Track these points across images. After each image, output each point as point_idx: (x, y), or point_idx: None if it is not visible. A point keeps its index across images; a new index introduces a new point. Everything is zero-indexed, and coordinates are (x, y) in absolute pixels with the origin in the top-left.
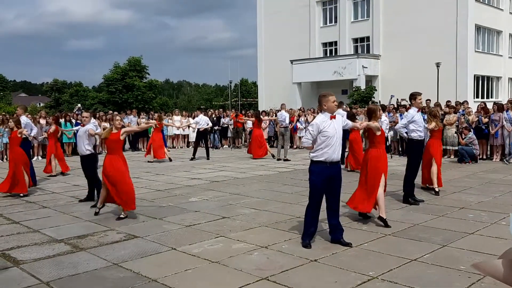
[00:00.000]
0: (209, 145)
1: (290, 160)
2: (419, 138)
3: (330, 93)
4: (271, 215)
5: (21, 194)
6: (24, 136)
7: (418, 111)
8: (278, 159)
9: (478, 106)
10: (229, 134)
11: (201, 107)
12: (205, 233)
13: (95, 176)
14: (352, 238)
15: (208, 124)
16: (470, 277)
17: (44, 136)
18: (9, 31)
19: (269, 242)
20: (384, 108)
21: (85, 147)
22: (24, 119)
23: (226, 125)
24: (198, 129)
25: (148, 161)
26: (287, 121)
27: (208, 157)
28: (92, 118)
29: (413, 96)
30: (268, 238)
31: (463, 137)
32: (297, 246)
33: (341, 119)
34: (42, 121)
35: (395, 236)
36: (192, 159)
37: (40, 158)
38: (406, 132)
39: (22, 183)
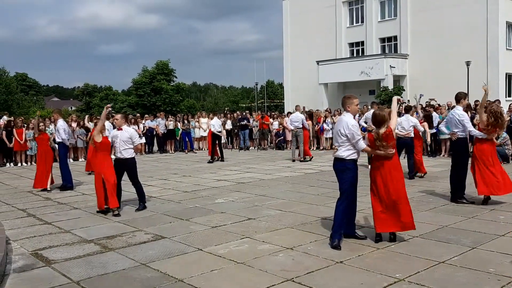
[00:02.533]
0: (222, 147)
1: (308, 160)
2: (465, 136)
3: (355, 96)
4: (297, 217)
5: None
6: (56, 141)
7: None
8: (293, 160)
9: (510, 105)
10: (255, 136)
11: (226, 108)
12: (231, 234)
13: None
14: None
15: (220, 127)
16: (500, 280)
17: (75, 140)
18: (42, 37)
19: (295, 244)
20: (409, 109)
21: (128, 151)
22: (60, 123)
23: (252, 127)
24: (213, 132)
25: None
26: (304, 123)
27: (222, 159)
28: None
29: (462, 97)
30: (294, 239)
31: (498, 137)
32: (323, 248)
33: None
34: (74, 124)
35: (423, 238)
36: (210, 161)
37: (71, 160)
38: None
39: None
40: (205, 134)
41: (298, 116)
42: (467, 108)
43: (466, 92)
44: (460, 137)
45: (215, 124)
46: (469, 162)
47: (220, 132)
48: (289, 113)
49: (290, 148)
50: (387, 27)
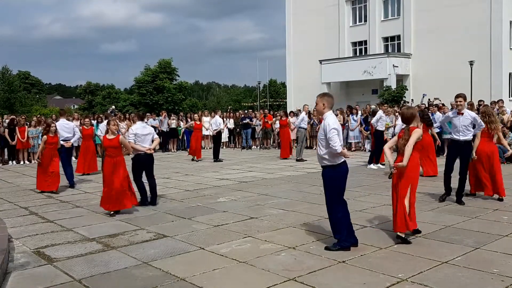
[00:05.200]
0: (219, 147)
1: (305, 160)
2: (452, 138)
3: (318, 96)
4: (299, 216)
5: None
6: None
7: (458, 113)
8: (299, 159)
9: None
10: (258, 135)
11: (229, 107)
12: (233, 233)
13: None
14: (381, 239)
15: (217, 126)
16: (504, 281)
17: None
18: (45, 36)
19: (297, 243)
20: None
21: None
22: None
23: (254, 126)
24: (215, 130)
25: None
26: (304, 123)
27: (217, 159)
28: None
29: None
30: (296, 238)
31: (505, 138)
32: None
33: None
34: (76, 123)
35: (426, 238)
36: (216, 161)
37: (73, 158)
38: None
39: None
40: (208, 133)
41: (301, 116)
42: (470, 107)
43: (470, 92)
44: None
45: (214, 123)
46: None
47: (216, 130)
48: (292, 112)
49: (293, 147)
50: (390, 26)
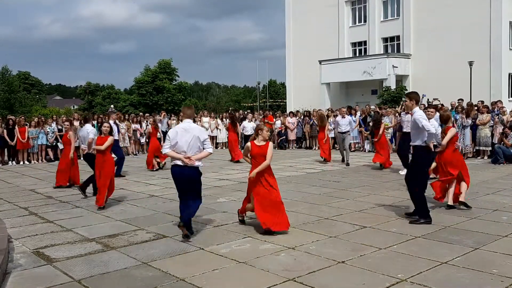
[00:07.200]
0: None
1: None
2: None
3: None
4: (299, 216)
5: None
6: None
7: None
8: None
9: None
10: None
11: (230, 108)
12: (232, 234)
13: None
14: (381, 240)
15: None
16: (503, 281)
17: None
18: (45, 36)
19: (297, 243)
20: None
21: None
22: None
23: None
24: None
25: None
26: (352, 125)
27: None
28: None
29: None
30: (296, 239)
31: (508, 138)
32: (325, 247)
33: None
34: (76, 123)
35: (425, 238)
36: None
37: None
38: None
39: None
40: (208, 133)
41: (346, 119)
42: (469, 108)
43: (469, 92)
44: None
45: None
46: None
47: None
48: (291, 112)
49: (292, 148)
50: (389, 26)
